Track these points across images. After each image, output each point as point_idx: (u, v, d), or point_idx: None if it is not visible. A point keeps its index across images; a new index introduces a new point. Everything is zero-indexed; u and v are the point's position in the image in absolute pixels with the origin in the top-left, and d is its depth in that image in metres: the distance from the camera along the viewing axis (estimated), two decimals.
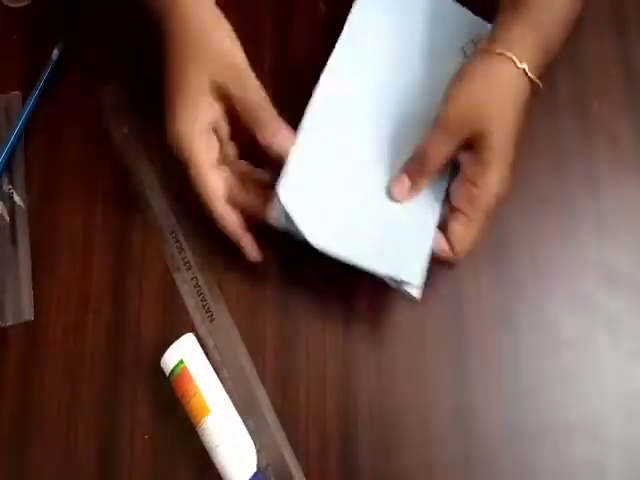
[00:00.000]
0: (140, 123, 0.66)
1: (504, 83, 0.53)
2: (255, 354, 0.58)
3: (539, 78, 0.54)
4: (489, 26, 0.59)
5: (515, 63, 0.52)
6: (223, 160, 0.56)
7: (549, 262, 0.60)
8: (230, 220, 0.55)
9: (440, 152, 0.54)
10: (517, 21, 0.54)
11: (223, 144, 0.56)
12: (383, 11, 0.61)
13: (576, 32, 0.63)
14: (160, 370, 0.57)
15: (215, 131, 0.55)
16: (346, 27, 0.59)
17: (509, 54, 0.52)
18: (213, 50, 0.54)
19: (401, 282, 0.53)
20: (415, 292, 0.53)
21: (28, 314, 0.61)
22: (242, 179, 0.56)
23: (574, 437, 0.56)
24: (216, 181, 0.54)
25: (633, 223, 0.62)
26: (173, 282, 0.61)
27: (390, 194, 0.55)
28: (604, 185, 0.62)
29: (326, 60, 0.58)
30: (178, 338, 0.57)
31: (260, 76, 0.56)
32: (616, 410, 0.56)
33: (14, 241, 0.63)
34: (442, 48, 0.61)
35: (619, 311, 0.59)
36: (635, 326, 0.59)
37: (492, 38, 0.54)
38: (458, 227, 0.53)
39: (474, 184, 0.53)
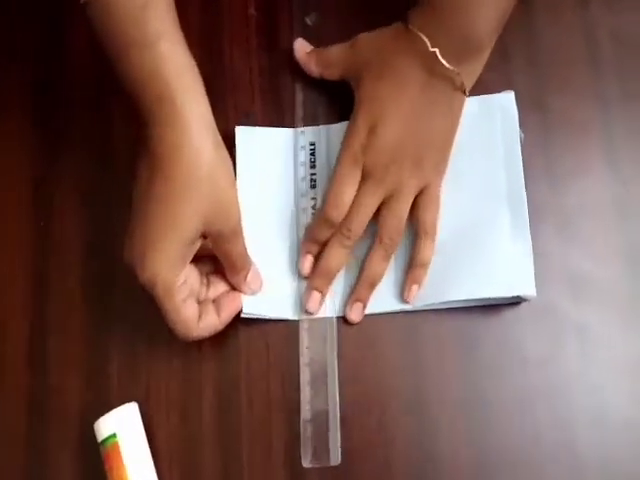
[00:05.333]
0: None
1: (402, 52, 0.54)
2: None
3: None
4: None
5: (426, 44, 0.52)
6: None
7: None
8: (206, 335, 0.53)
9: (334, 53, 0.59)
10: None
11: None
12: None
13: (531, 11, 0.61)
14: (87, 444, 0.53)
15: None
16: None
17: (422, 35, 0.53)
18: (210, 192, 0.49)
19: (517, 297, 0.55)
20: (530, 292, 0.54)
21: None
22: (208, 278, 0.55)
23: (546, 461, 0.52)
24: (190, 313, 0.52)
25: (598, 224, 0.57)
26: (98, 345, 0.57)
27: None
28: (568, 183, 0.58)
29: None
30: (104, 407, 0.53)
31: None
32: (589, 428, 0.53)
33: None
34: None
35: (588, 320, 0.55)
36: (606, 335, 0.55)
37: (413, 13, 0.54)
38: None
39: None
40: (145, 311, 0.55)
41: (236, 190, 0.51)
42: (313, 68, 0.59)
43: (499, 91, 0.58)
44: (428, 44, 0.52)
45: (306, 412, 0.53)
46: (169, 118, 0.48)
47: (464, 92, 0.54)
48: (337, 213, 0.54)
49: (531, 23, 0.61)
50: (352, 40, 0.57)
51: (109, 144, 0.61)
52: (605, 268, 0.55)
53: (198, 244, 0.51)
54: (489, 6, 0.52)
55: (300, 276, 0.56)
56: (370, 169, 0.54)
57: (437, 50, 0.52)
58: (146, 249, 0.49)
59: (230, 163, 0.51)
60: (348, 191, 0.54)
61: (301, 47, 0.60)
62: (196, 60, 0.50)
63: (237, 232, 0.52)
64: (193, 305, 0.52)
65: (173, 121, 0.48)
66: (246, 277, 0.54)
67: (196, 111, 0.49)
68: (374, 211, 0.55)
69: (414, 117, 0.54)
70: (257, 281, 0.55)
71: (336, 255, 0.55)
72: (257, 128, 0.60)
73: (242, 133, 0.59)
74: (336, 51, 0.58)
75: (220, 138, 0.50)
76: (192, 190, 0.48)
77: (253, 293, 0.55)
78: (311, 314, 0.55)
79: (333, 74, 0.59)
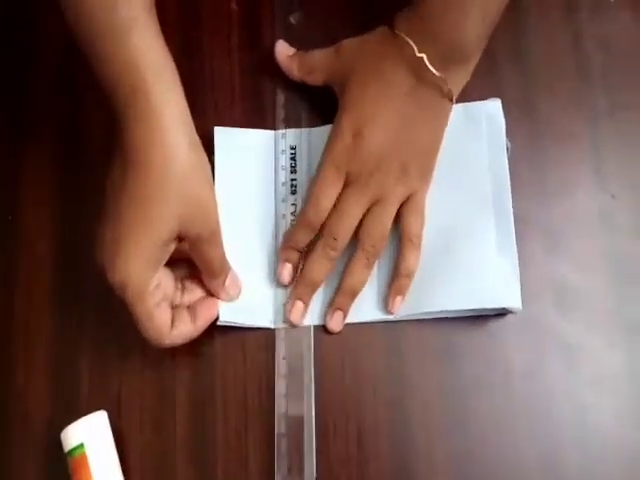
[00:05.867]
0: None
1: (389, 57, 0.53)
2: None
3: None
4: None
5: (414, 50, 0.51)
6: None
7: None
8: (180, 343, 0.51)
9: (317, 58, 0.57)
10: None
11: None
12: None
13: (521, 18, 0.60)
14: (53, 454, 0.51)
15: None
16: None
17: (410, 40, 0.51)
18: (186, 192, 0.47)
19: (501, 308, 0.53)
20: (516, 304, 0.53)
21: None
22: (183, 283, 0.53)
23: (528, 476, 0.51)
24: (163, 318, 0.49)
25: (585, 236, 0.55)
26: (66, 350, 0.54)
27: None
28: (554, 193, 0.56)
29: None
30: (73, 416, 0.51)
31: None
32: (573, 444, 0.51)
33: None
34: None
35: (573, 333, 0.53)
36: (592, 348, 0.53)
37: (400, 18, 0.53)
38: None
39: None
40: (117, 315, 0.53)
41: (214, 191, 0.50)
42: (295, 73, 0.57)
43: (486, 98, 0.57)
44: (415, 50, 0.51)
45: (281, 426, 0.52)
46: (143, 114, 0.46)
47: (451, 99, 0.53)
48: (316, 217, 0.53)
49: (520, 31, 0.60)
50: (336, 45, 0.56)
51: (81, 136, 0.59)
52: (591, 280, 0.54)
53: (173, 246, 0.48)
54: (477, 13, 0.50)
55: (278, 284, 0.54)
56: (354, 175, 0.52)
57: (424, 56, 0.51)
58: (118, 250, 0.47)
59: (207, 163, 0.49)
60: (329, 195, 0.53)
61: (282, 50, 0.58)
62: (173, 56, 0.48)
63: (216, 234, 0.50)
64: (166, 310, 0.49)
65: (147, 117, 0.46)
66: (224, 282, 0.52)
67: (172, 107, 0.47)
68: (359, 219, 0.53)
69: (400, 123, 0.52)
70: (235, 287, 0.53)
71: (321, 266, 0.53)
72: (237, 129, 0.58)
73: (221, 134, 0.57)
74: (320, 56, 0.56)
75: (197, 137, 0.48)
76: (166, 190, 0.46)
77: (231, 300, 0.53)
78: (294, 326, 0.54)
79: (316, 79, 0.57)
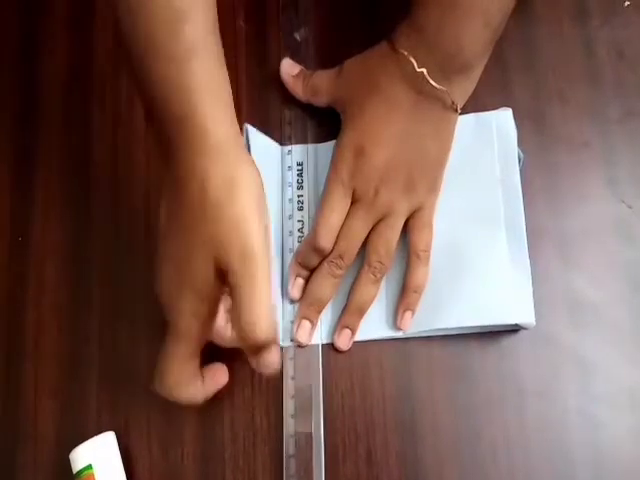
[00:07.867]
0: None
1: (389, 73, 0.52)
2: None
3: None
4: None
5: (413, 65, 0.50)
6: None
7: None
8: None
9: (321, 80, 0.56)
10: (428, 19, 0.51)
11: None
12: None
13: (531, 25, 0.58)
14: (62, 475, 0.51)
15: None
16: None
17: (408, 55, 0.51)
18: (222, 215, 0.42)
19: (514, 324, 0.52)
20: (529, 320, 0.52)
21: None
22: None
23: None
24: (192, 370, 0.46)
25: (600, 247, 0.54)
26: (75, 370, 0.54)
27: None
28: (568, 204, 0.55)
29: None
30: (82, 436, 0.51)
31: None
32: (587, 464, 0.50)
33: None
34: None
35: (589, 350, 0.52)
36: (608, 366, 0.52)
37: (398, 32, 0.52)
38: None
39: None
40: (126, 335, 0.54)
41: (260, 211, 0.43)
42: (300, 93, 0.57)
43: (497, 108, 0.56)
44: (415, 65, 0.50)
45: (289, 446, 0.51)
46: (187, 141, 0.42)
47: (456, 110, 0.52)
48: (326, 243, 0.52)
49: (530, 38, 0.58)
50: (338, 67, 0.55)
51: (91, 156, 0.59)
52: (607, 294, 0.52)
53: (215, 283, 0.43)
54: (476, 21, 0.49)
55: (286, 302, 0.54)
56: (360, 194, 0.52)
57: (424, 70, 0.50)
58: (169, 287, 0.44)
59: (256, 182, 0.43)
60: (337, 219, 0.52)
61: (288, 69, 0.58)
62: None
63: (250, 261, 0.41)
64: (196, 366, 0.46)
65: (191, 142, 0.42)
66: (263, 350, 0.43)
67: (218, 130, 0.43)
68: (365, 236, 0.52)
69: (403, 138, 0.52)
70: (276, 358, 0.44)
71: (326, 284, 0.53)
72: (261, 134, 0.57)
73: (252, 133, 0.56)
74: (323, 78, 0.56)
75: (247, 156, 0.44)
76: (203, 213, 0.42)
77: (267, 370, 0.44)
78: (302, 345, 0.53)
79: (321, 101, 0.56)
